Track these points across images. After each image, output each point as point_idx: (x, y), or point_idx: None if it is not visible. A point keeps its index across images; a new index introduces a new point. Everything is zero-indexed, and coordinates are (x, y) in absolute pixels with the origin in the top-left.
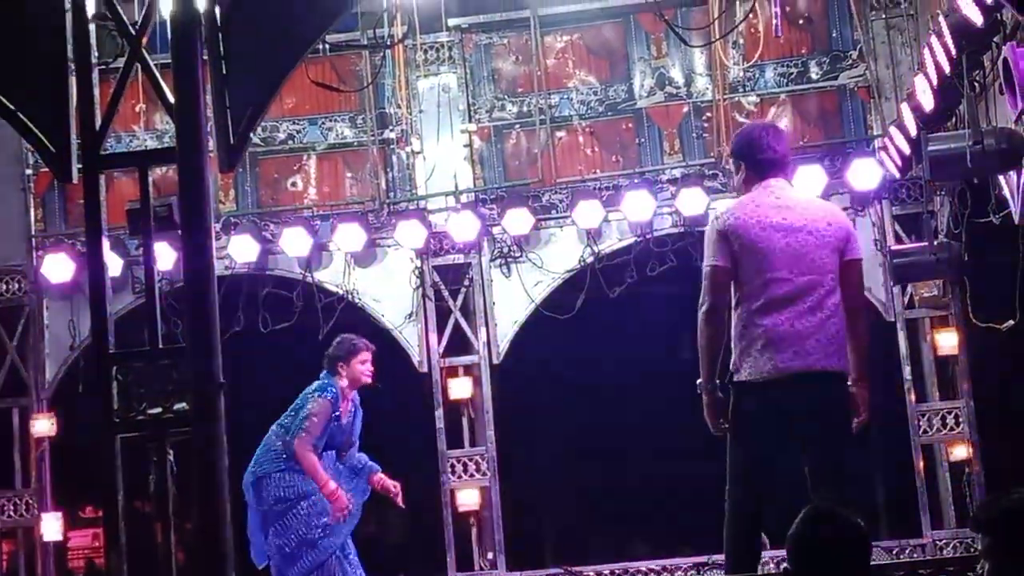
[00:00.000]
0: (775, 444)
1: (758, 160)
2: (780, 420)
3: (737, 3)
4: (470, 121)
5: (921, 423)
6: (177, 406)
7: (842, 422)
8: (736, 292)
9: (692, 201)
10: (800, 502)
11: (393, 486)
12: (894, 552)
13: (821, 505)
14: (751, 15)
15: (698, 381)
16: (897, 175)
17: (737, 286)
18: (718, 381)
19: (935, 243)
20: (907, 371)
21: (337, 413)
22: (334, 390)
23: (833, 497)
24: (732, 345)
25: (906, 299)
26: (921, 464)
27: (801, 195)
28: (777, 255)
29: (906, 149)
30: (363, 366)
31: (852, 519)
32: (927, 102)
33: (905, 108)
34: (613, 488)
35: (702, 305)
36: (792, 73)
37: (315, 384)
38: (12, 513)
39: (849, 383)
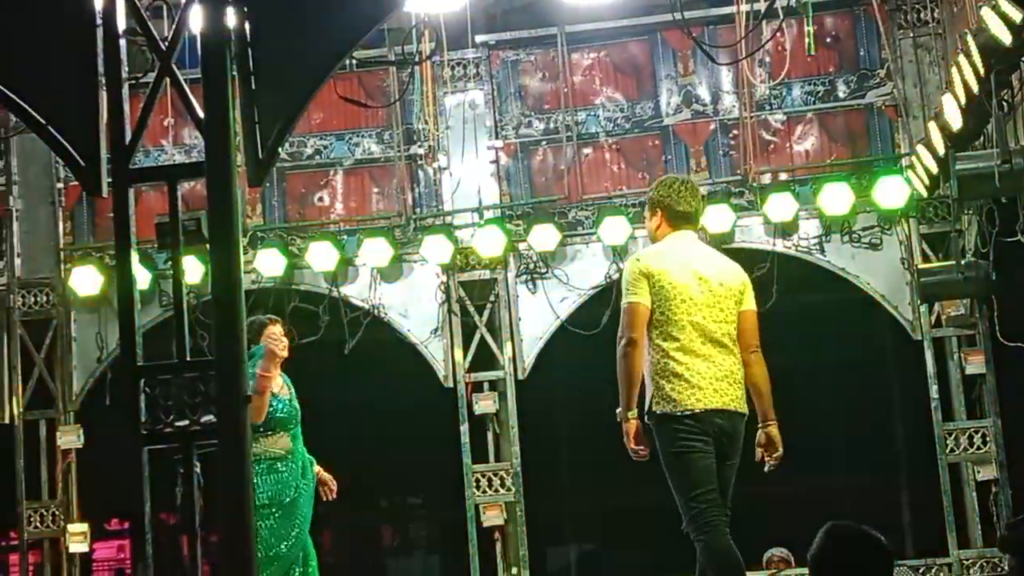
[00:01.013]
0: (707, 457)
1: (676, 212)
2: (706, 440)
3: (764, 21)
4: (497, 137)
5: (948, 442)
6: (204, 418)
7: (737, 456)
8: (653, 331)
9: (718, 218)
10: None
11: (330, 479)
12: (920, 571)
13: (844, 523)
14: (778, 33)
15: (618, 411)
16: (924, 194)
17: (655, 325)
18: (636, 409)
19: (962, 262)
20: (934, 390)
21: (273, 393)
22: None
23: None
24: (649, 379)
25: (933, 318)
26: (948, 483)
27: (708, 248)
28: (693, 301)
29: (934, 168)
30: (272, 340)
31: (876, 536)
32: (955, 121)
33: (933, 127)
34: (637, 506)
35: (621, 339)
36: (819, 91)
37: None
38: (39, 524)
39: (760, 425)
